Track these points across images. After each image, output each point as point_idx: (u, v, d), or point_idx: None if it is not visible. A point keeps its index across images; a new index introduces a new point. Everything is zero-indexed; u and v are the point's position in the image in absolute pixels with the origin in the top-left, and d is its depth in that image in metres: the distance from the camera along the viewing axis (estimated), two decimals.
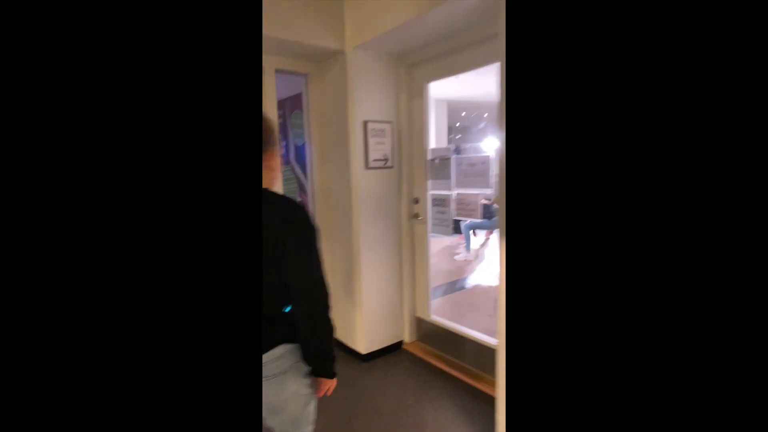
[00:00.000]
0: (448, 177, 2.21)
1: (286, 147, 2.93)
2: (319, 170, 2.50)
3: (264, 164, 0.87)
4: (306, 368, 0.93)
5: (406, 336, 2.57)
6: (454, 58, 2.08)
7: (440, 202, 2.26)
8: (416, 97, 2.33)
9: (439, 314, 2.51)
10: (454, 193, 2.19)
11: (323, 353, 0.93)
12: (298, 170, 3.25)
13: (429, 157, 2.32)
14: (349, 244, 2.34)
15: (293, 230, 0.85)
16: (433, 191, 2.32)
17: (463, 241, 5.06)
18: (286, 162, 2.93)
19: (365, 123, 2.21)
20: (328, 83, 2.34)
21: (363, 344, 2.38)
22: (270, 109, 2.20)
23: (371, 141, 2.23)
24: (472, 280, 4.16)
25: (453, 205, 2.19)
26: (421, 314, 2.53)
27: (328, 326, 0.91)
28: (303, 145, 2.68)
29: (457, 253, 5.00)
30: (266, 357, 0.87)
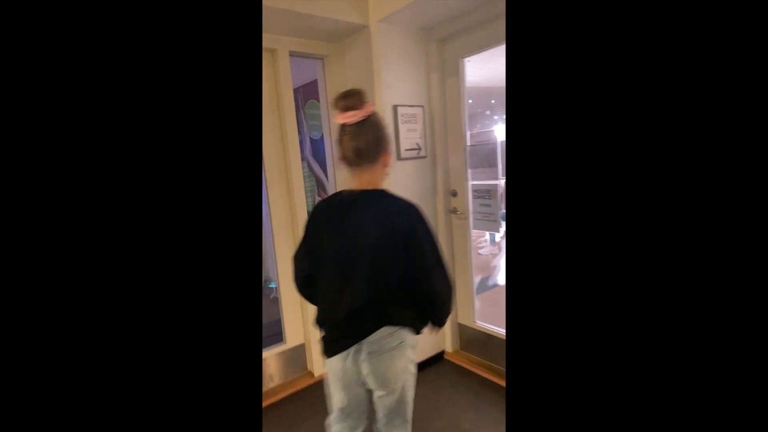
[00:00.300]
0: (493, 164, 1.93)
1: (301, 141, 2.66)
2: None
3: (381, 167, 0.99)
4: (412, 350, 1.04)
5: (448, 345, 2.31)
6: (492, 29, 1.80)
7: (484, 194, 1.99)
8: (450, 75, 2.05)
9: (480, 318, 2.25)
10: (501, 182, 1.92)
11: (447, 312, 1.06)
12: (316, 167, 2.98)
13: (468, 143, 2.05)
14: None
15: (414, 224, 0.95)
16: (474, 181, 2.04)
17: (485, 233, 4.80)
18: (302, 158, 2.66)
19: (395, 108, 1.94)
20: (350, 65, 2.06)
21: None
22: (287, 98, 1.93)
23: (402, 128, 1.96)
24: (503, 276, 3.90)
25: (501, 197, 1.92)
26: (463, 320, 2.27)
27: (451, 294, 1.05)
28: (320, 138, 2.41)
29: (481, 247, 4.73)
30: (383, 332, 0.96)
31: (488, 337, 2.13)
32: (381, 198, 0.98)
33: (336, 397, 1.06)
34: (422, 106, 2.05)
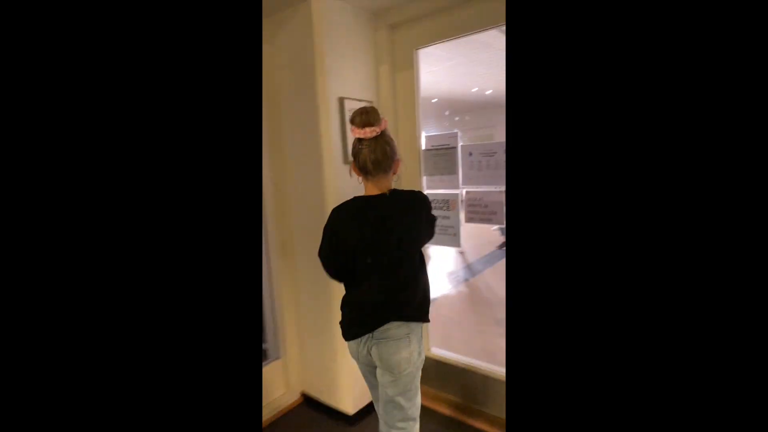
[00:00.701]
0: (452, 171, 1.70)
1: None
2: (271, 167, 1.82)
3: (391, 174, 1.13)
4: (418, 341, 1.16)
5: None
6: (450, 18, 1.59)
7: (442, 204, 1.75)
8: (402, 68, 1.78)
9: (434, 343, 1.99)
10: (462, 191, 1.70)
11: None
12: None
13: (423, 146, 1.80)
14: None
15: (428, 216, 1.18)
16: (429, 190, 1.80)
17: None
18: None
19: (341, 101, 1.61)
20: (284, 46, 1.68)
21: (350, 401, 1.76)
22: None
23: (349, 126, 1.63)
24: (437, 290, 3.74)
25: (462, 208, 1.70)
26: None
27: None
28: None
29: None
30: (391, 325, 1.10)
31: (450, 368, 1.88)
32: (398, 197, 1.13)
33: (359, 368, 1.27)
34: (371, 102, 1.75)
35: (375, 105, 1.77)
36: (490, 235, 5.28)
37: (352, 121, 1.08)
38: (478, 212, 1.64)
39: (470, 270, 4.48)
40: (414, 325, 1.12)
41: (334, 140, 1.60)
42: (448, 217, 1.73)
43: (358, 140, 1.09)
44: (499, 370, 1.76)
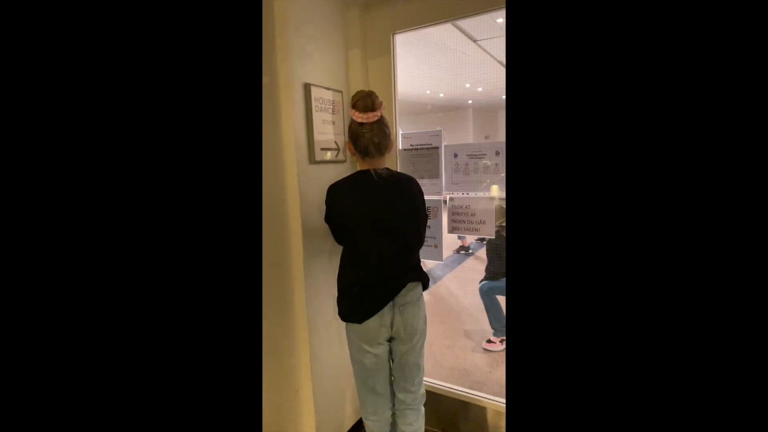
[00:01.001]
0: (434, 175, 1.50)
1: None
2: None
3: (387, 155, 1.21)
4: (424, 303, 1.29)
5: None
6: (435, 1, 1.39)
7: None
8: (378, 55, 1.55)
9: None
10: (446, 197, 1.50)
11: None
12: None
13: (401, 145, 1.58)
14: (283, 283, 1.42)
15: (421, 199, 1.24)
16: None
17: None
18: None
19: (308, 87, 1.34)
20: None
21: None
22: None
23: (316, 118, 1.37)
24: None
25: (445, 217, 1.50)
26: None
27: None
28: None
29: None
30: (408, 287, 1.19)
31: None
32: (395, 175, 1.21)
33: (367, 360, 1.21)
34: (341, 92, 1.50)
35: (344, 92, 1.52)
36: (447, 238, 5.20)
37: (355, 106, 1.14)
38: (463, 221, 1.46)
39: (430, 276, 4.35)
40: (418, 286, 1.24)
41: (299, 134, 1.33)
42: (428, 227, 1.53)
43: (359, 124, 1.14)
44: (478, 394, 1.59)
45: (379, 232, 1.15)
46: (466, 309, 3.29)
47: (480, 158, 1.41)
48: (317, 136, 1.37)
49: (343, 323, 1.25)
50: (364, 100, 1.13)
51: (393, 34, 1.52)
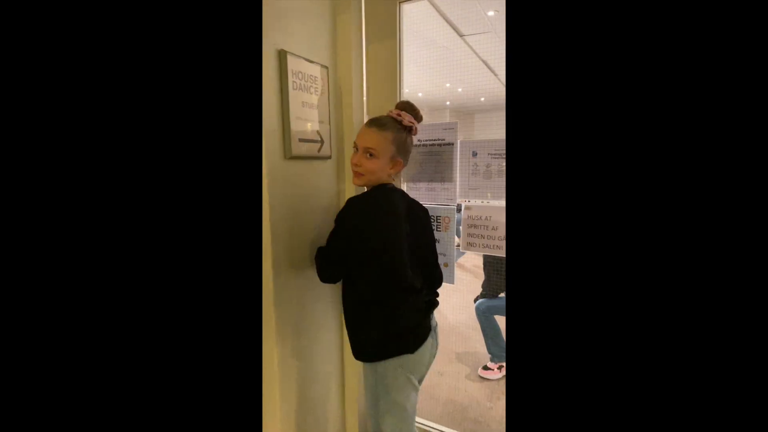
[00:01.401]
0: (447, 178, 1.18)
1: None
2: None
3: (397, 169, 1.03)
4: None
5: (353, 428, 1.43)
6: None
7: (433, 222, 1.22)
8: (379, 28, 1.22)
9: None
10: (461, 204, 1.19)
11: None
12: None
13: None
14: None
15: (428, 220, 1.10)
16: None
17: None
18: None
19: (282, 55, 0.99)
20: None
21: None
22: None
23: (293, 98, 1.02)
24: None
25: (462, 229, 1.18)
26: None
27: None
28: None
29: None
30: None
31: None
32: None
33: (413, 398, 1.06)
34: (327, 67, 1.15)
35: (331, 73, 1.18)
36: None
37: (417, 117, 1.03)
38: (482, 236, 1.14)
39: None
40: None
41: (268, 117, 0.97)
42: (437, 241, 1.20)
43: (409, 131, 1.02)
44: None
45: (411, 250, 1.00)
46: (456, 328, 2.99)
47: (501, 156, 1.10)
48: (294, 124, 1.02)
49: (317, 345, 0.90)
50: (418, 111, 1.03)
51: (400, 3, 1.19)
